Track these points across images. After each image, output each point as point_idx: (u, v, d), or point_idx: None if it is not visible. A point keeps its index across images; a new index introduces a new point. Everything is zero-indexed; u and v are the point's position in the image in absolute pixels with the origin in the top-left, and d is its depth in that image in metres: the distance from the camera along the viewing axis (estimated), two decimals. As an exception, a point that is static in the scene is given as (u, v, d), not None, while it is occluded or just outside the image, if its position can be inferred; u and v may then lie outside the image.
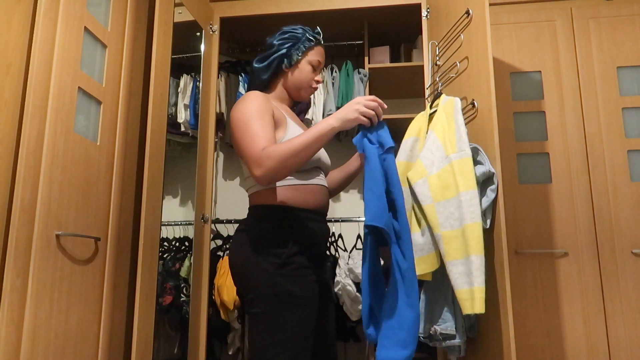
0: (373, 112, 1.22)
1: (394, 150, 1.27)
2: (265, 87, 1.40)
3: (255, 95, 1.26)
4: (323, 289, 1.32)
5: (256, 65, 1.38)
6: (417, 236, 1.51)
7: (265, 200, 1.27)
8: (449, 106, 1.56)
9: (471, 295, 1.34)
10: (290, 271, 1.21)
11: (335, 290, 2.04)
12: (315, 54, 1.39)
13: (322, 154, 1.35)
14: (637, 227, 1.94)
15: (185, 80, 2.47)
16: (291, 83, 1.39)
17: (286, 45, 1.36)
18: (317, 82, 1.41)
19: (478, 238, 1.35)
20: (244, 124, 1.20)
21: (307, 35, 1.38)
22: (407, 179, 1.54)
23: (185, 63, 2.34)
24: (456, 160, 1.44)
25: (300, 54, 1.37)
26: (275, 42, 1.37)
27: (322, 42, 1.43)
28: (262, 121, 1.20)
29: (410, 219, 1.57)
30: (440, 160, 1.49)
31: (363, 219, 1.87)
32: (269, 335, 1.18)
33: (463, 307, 1.36)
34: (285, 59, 1.36)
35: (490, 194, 1.46)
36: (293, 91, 1.41)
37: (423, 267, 1.49)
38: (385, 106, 1.25)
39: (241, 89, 2.49)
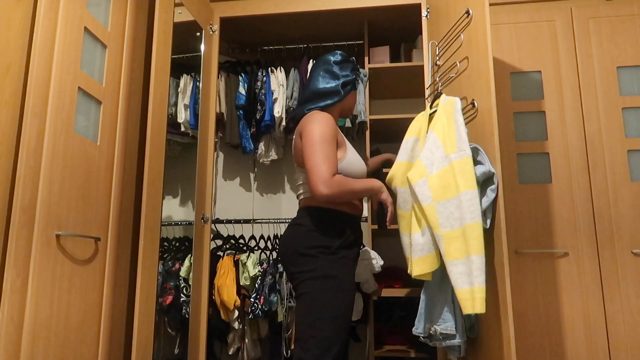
0: (387, 208, 1.55)
1: None
2: (329, 106, 1.60)
3: (330, 120, 1.50)
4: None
5: (341, 89, 1.61)
6: (417, 236, 1.51)
7: (319, 203, 1.51)
8: (449, 106, 1.56)
9: (472, 295, 1.33)
10: (337, 259, 1.45)
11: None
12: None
13: (364, 172, 1.59)
14: (637, 227, 1.94)
15: (185, 80, 2.47)
16: (350, 104, 1.68)
17: (356, 74, 1.66)
18: None
19: (478, 238, 1.35)
20: (319, 142, 1.42)
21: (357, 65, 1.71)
22: (407, 178, 1.54)
23: (185, 63, 2.33)
24: (456, 160, 1.44)
25: (358, 81, 1.69)
26: (348, 70, 1.64)
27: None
28: (332, 146, 1.44)
29: (411, 219, 1.57)
30: (440, 160, 1.49)
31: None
32: (317, 312, 1.38)
33: (463, 307, 1.36)
34: (353, 84, 1.65)
35: (490, 194, 1.46)
36: (347, 110, 1.69)
37: (423, 267, 1.49)
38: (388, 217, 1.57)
39: (241, 89, 2.49)
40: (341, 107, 1.65)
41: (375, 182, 1.54)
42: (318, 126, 1.45)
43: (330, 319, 1.38)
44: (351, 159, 1.53)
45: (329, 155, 1.40)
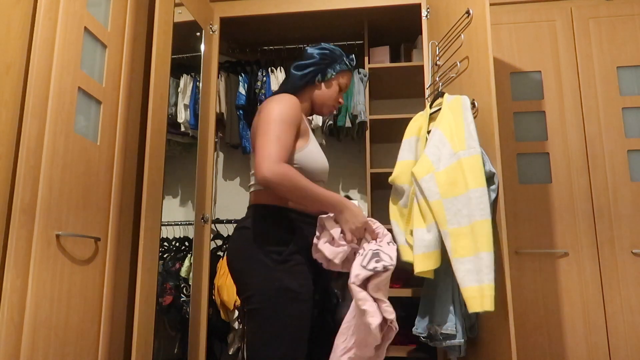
0: (360, 238, 1.26)
1: None
2: (295, 93, 1.41)
3: (293, 101, 1.30)
4: (320, 287, 1.35)
5: (294, 72, 1.43)
6: (423, 232, 1.50)
7: (267, 200, 1.30)
8: (456, 104, 1.55)
9: (480, 292, 1.32)
10: (290, 267, 1.24)
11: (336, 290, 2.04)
12: (345, 78, 1.47)
13: (326, 169, 1.40)
14: (637, 227, 1.94)
15: (185, 80, 2.47)
16: (318, 97, 1.44)
17: (325, 61, 1.42)
18: (340, 103, 1.48)
19: (488, 235, 1.35)
20: (274, 122, 1.23)
21: (344, 58, 1.46)
22: (413, 174, 1.54)
23: (185, 63, 2.34)
24: (465, 158, 1.43)
25: (333, 73, 1.43)
26: (315, 54, 1.43)
27: (352, 69, 1.51)
28: (290, 129, 1.24)
29: (415, 214, 1.57)
30: (448, 156, 1.48)
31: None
32: (268, 330, 1.21)
33: (470, 305, 1.33)
34: (320, 74, 1.42)
35: (491, 194, 1.46)
36: (317, 105, 1.45)
37: (427, 263, 1.48)
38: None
39: (241, 89, 2.49)
40: (310, 98, 1.44)
41: (342, 199, 1.24)
42: (278, 106, 1.27)
43: (287, 336, 1.21)
44: (312, 150, 1.33)
45: (282, 137, 1.21)
